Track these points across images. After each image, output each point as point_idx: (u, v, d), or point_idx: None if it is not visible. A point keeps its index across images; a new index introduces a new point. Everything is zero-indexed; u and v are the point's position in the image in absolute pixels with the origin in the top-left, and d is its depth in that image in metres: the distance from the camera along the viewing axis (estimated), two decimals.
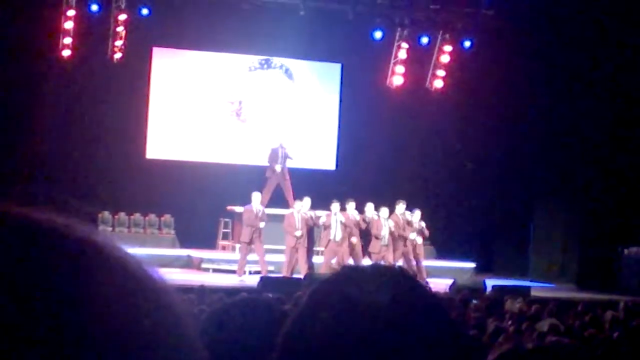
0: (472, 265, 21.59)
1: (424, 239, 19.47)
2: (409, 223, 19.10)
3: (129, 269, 0.78)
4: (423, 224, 19.28)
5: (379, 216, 18.87)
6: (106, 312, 0.74)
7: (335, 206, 18.59)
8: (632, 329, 10.06)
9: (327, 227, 18.61)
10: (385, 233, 18.75)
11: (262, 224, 18.57)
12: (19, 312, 0.71)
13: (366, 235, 19.01)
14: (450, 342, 1.25)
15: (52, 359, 0.71)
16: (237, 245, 20.70)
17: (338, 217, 18.52)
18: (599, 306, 13.23)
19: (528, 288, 17.86)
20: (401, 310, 1.22)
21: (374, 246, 18.78)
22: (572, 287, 20.63)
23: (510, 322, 10.38)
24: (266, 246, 18.81)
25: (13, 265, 0.73)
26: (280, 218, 19.00)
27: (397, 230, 18.93)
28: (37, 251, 0.74)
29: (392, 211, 19.04)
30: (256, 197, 18.72)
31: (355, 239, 18.70)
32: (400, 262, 18.68)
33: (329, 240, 18.52)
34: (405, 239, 19.05)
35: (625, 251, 20.63)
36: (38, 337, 0.71)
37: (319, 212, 18.99)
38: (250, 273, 18.64)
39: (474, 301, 13.17)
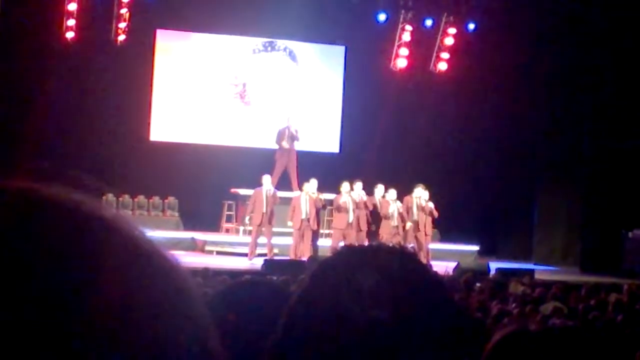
0: (475, 248, 21.59)
1: (434, 220, 19.44)
2: (423, 208, 19.07)
3: (139, 245, 0.78)
4: (432, 205, 19.26)
5: (387, 198, 18.84)
6: (116, 287, 0.74)
7: (346, 187, 18.51)
8: (636, 312, 10.08)
9: (341, 209, 18.53)
10: (394, 215, 18.71)
11: (262, 208, 18.51)
12: (25, 284, 0.71)
13: (375, 218, 18.97)
14: (452, 322, 1.25)
15: (57, 332, 0.70)
16: (241, 228, 20.72)
17: (351, 199, 18.47)
18: (603, 289, 13.24)
19: (532, 271, 17.88)
20: (402, 290, 1.22)
21: (384, 228, 18.73)
22: (575, 270, 20.64)
23: (514, 305, 10.40)
24: (273, 229, 18.81)
25: (21, 238, 0.72)
26: (286, 201, 18.99)
27: (404, 213, 18.92)
28: (45, 225, 0.74)
29: (408, 193, 19.07)
30: (266, 179, 18.71)
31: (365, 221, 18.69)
32: (411, 244, 18.69)
33: (348, 224, 18.42)
34: (415, 221, 19.02)
35: (629, 234, 20.62)
36: (45, 309, 0.70)
37: (327, 195, 18.95)
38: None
39: (478, 284, 13.19)
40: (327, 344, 1.19)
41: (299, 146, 20.60)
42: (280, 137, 20.39)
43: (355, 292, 1.20)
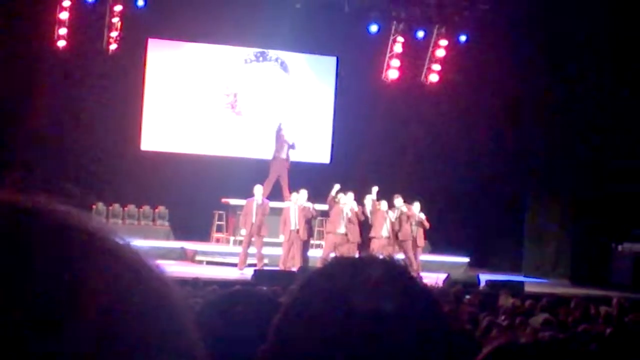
0: (466, 260, 21.60)
1: (425, 230, 19.42)
2: (408, 217, 19.06)
3: (123, 257, 0.77)
4: (423, 216, 19.24)
5: (379, 209, 18.79)
6: (98, 298, 0.73)
7: (344, 199, 18.45)
8: (625, 324, 10.09)
9: (336, 216, 18.48)
10: (386, 225, 18.67)
11: (252, 219, 18.47)
12: (8, 296, 0.70)
13: (365, 229, 18.91)
14: (441, 334, 1.24)
15: (41, 344, 0.70)
16: (232, 238, 20.69)
17: (345, 210, 18.43)
18: (592, 302, 13.25)
19: (522, 283, 17.89)
20: (391, 301, 1.22)
21: (375, 239, 18.68)
22: (565, 283, 20.67)
23: (503, 317, 10.39)
24: (264, 239, 18.78)
25: (3, 249, 0.72)
26: (277, 211, 18.97)
27: (396, 224, 18.89)
28: (27, 235, 0.73)
29: (390, 205, 19.01)
30: (258, 190, 18.69)
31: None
32: (400, 256, 18.63)
33: (334, 234, 18.37)
34: (403, 232, 19.00)
35: (619, 247, 20.66)
36: (27, 319, 0.70)
37: (318, 206, 18.92)
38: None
39: (468, 296, 13.18)
40: (317, 353, 1.19)
41: (292, 156, 20.59)
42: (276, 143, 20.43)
43: (342, 304, 1.20)
